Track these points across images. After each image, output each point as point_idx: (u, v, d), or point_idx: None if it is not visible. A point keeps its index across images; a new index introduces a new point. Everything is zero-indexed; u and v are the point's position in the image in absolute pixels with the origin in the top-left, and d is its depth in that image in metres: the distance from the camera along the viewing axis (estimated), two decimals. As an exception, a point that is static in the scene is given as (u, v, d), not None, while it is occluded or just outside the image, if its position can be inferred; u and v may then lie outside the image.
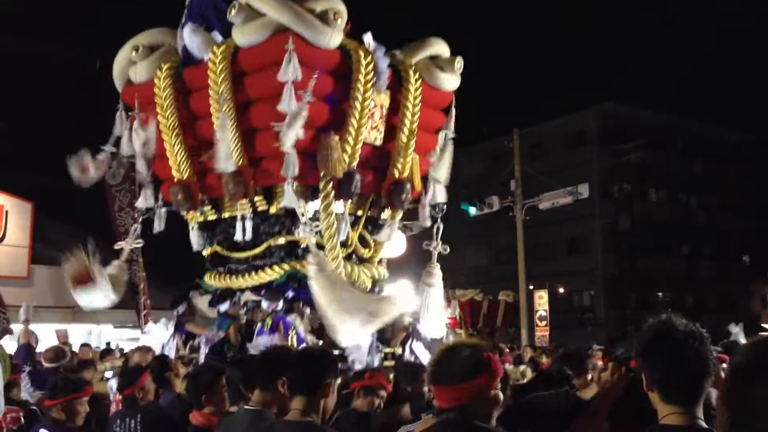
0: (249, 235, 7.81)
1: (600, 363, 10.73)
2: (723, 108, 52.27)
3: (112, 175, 15.76)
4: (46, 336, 16.03)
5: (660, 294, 39.49)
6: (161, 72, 7.74)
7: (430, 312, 8.55)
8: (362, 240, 8.44)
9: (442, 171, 8.70)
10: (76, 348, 10.57)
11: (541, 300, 24.78)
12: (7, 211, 19.34)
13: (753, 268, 40.30)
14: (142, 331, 15.63)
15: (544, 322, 24.17)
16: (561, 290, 33.74)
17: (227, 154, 7.27)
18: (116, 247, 8.83)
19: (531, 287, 24.87)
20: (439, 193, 8.77)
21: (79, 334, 18.25)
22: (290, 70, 6.92)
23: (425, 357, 7.80)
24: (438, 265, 8.90)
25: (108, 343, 15.45)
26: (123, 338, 19.04)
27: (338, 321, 6.69)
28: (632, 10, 60.07)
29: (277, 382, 3.44)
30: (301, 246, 7.90)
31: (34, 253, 20.07)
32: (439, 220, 8.96)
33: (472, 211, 22.23)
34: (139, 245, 8.72)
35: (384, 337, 7.90)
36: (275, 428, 3.18)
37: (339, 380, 3.27)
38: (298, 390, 3.11)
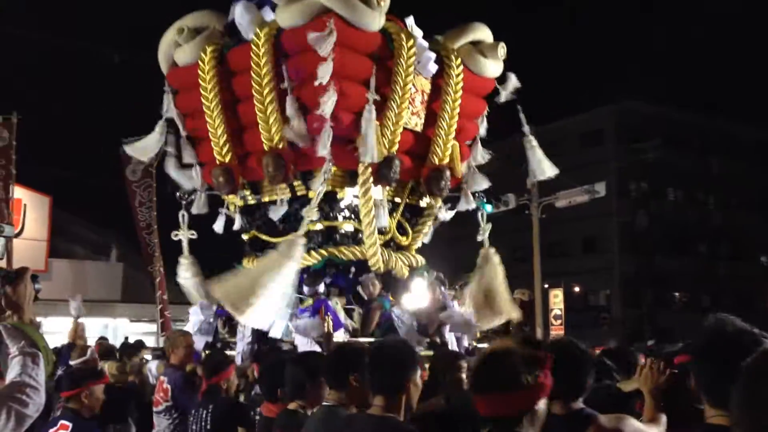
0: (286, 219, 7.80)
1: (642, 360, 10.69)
2: (742, 106, 51.91)
3: (132, 171, 15.98)
4: (64, 329, 16.21)
5: (677, 293, 39.27)
6: (205, 54, 7.69)
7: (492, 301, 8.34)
8: (400, 227, 8.38)
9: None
10: (91, 341, 10.60)
11: (557, 299, 24.69)
12: (25, 205, 19.47)
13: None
14: (160, 327, 15.75)
15: (559, 321, 24.09)
16: (576, 289, 33.60)
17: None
18: (174, 238, 8.79)
19: (546, 286, 24.79)
20: (480, 180, 8.70)
21: (95, 328, 18.39)
22: (327, 46, 6.90)
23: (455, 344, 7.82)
24: (493, 249, 8.72)
25: (126, 338, 15.54)
26: (139, 332, 19.17)
27: (246, 303, 6.65)
28: (653, 7, 59.58)
29: (349, 379, 3.42)
30: (340, 231, 7.88)
31: (52, 247, 20.26)
32: (483, 207, 8.86)
33: (488, 208, 22.07)
34: (193, 236, 8.68)
35: (420, 324, 7.79)
36: (356, 421, 3.14)
37: (420, 372, 3.18)
38: (379, 389, 3.07)
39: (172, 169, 8.41)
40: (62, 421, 4.78)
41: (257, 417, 4.90)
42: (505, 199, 21.47)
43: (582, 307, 35.63)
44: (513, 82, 8.48)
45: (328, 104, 6.98)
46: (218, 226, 8.42)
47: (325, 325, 6.87)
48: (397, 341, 3.61)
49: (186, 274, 8.62)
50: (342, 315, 7.42)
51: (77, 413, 4.82)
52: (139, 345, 11.10)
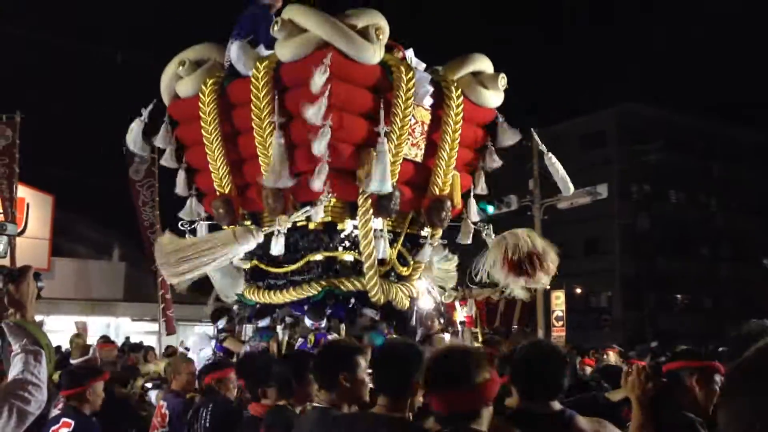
0: (289, 250, 7.84)
1: (612, 355, 10.76)
2: (744, 109, 51.88)
3: (136, 170, 16.02)
4: (66, 328, 16.25)
5: (678, 295, 39.26)
6: (206, 87, 7.72)
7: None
8: (401, 258, 8.39)
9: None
10: (92, 340, 10.64)
11: (558, 300, 24.62)
12: (28, 204, 19.56)
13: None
14: (163, 329, 15.78)
15: (560, 323, 24.03)
16: (578, 291, 33.59)
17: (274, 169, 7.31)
18: None
19: (548, 287, 24.78)
20: (474, 212, 8.77)
21: (97, 327, 18.43)
22: (320, 83, 6.91)
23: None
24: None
25: (128, 338, 15.58)
26: (141, 331, 19.21)
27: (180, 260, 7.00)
28: (653, 7, 59.59)
29: (339, 378, 3.42)
30: (340, 262, 7.92)
31: (55, 246, 20.31)
32: (486, 230, 8.80)
33: (490, 209, 22.11)
34: None
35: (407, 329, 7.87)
36: (360, 421, 3.10)
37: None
38: (385, 389, 3.06)
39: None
40: (64, 419, 4.81)
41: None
42: (507, 200, 21.42)
43: (583, 309, 35.66)
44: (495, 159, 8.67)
45: (322, 142, 6.99)
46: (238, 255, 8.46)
47: None
48: (405, 341, 3.61)
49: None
50: None
51: (78, 411, 4.87)
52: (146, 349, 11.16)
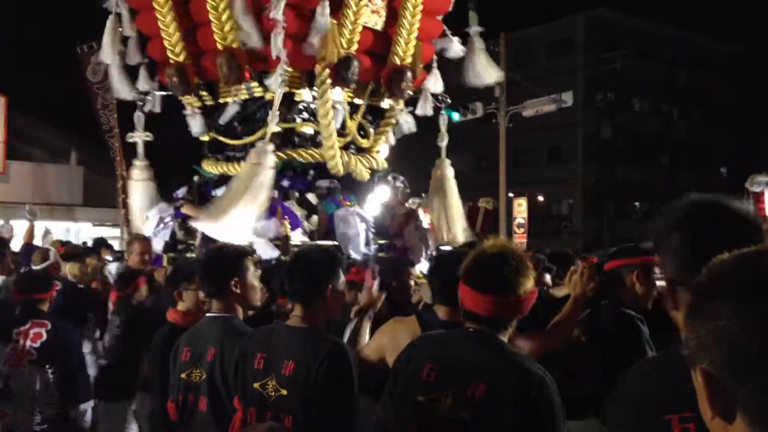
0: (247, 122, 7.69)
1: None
2: (713, 18, 51.62)
3: (93, 71, 15.46)
4: (23, 232, 16.02)
5: (637, 203, 39.96)
6: None
7: (447, 217, 8.43)
8: (361, 129, 8.24)
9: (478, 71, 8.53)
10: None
11: (520, 207, 24.95)
12: (-22, 105, 18.91)
13: (730, 180, 40.74)
14: (125, 235, 15.62)
15: (522, 230, 24.42)
16: (540, 198, 33.99)
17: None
18: (129, 140, 8.63)
19: (511, 195, 25.00)
20: (437, 83, 8.56)
21: (57, 232, 18.20)
22: None
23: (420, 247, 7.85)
24: (449, 161, 8.77)
25: (84, 242, 15.41)
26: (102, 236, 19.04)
27: (223, 213, 6.65)
28: None
29: (230, 284, 3.32)
30: (298, 134, 7.75)
31: (10, 150, 19.79)
32: (443, 111, 8.75)
33: (455, 117, 22.02)
34: (148, 138, 8.50)
35: (382, 226, 7.80)
36: (273, 334, 2.99)
37: (343, 278, 3.05)
38: (296, 297, 2.97)
39: (116, 76, 8.20)
40: (37, 320, 4.79)
41: None
42: (472, 107, 21.32)
43: (545, 217, 36.17)
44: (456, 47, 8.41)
45: (279, 5, 6.74)
46: (196, 127, 8.15)
47: (283, 226, 6.86)
48: (317, 248, 3.50)
49: (138, 177, 8.47)
50: (300, 215, 7.39)
51: (47, 313, 4.90)
52: (100, 243, 11.06)
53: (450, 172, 8.73)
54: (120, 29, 8.13)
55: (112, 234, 18.64)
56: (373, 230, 7.51)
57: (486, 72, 8.71)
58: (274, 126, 7.28)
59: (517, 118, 22.95)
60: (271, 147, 7.00)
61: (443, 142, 8.85)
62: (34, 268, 7.33)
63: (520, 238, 24.05)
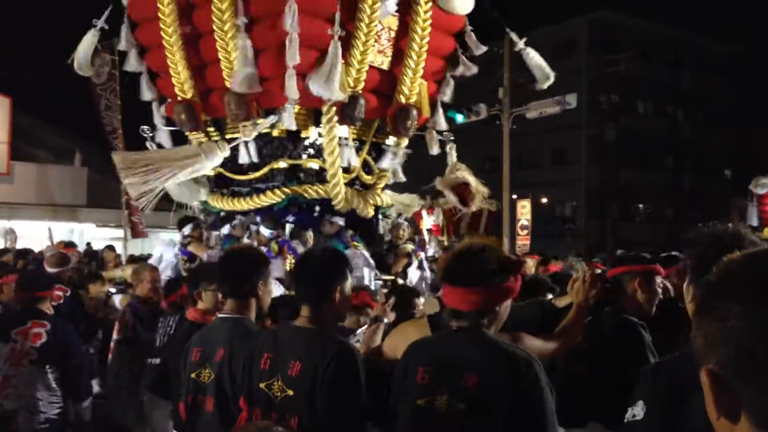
0: (254, 158, 7.79)
1: (531, 262, 11.00)
2: (713, 18, 51.59)
3: (97, 73, 15.46)
4: (27, 233, 16.05)
5: (641, 205, 39.91)
6: None
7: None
8: (366, 166, 8.36)
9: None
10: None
11: (524, 209, 24.94)
12: (-17, 107, 18.94)
13: (734, 181, 40.69)
14: (128, 235, 15.62)
15: (525, 231, 24.40)
16: (544, 200, 33.95)
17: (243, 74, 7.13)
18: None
19: (514, 196, 25.00)
20: (441, 121, 8.76)
21: (61, 233, 18.22)
22: None
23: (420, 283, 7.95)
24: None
25: (88, 243, 15.44)
26: (106, 237, 19.04)
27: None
28: None
29: (256, 287, 3.35)
30: (304, 170, 7.87)
31: (14, 151, 19.82)
32: (451, 142, 8.92)
33: (459, 118, 22.01)
34: None
35: (385, 263, 7.95)
36: (279, 334, 3.00)
37: (350, 281, 3.06)
38: (304, 299, 2.97)
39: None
40: (37, 320, 4.80)
41: None
42: (476, 109, 21.29)
43: (548, 218, 36.13)
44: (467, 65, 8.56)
45: (291, 50, 6.85)
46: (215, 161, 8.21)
47: (287, 264, 6.94)
48: (325, 250, 3.54)
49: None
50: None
51: (47, 314, 4.91)
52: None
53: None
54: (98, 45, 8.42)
55: (115, 235, 18.67)
56: (376, 273, 7.67)
57: (542, 73, 9.00)
58: (274, 160, 7.53)
59: (521, 120, 22.94)
60: (226, 149, 7.46)
61: (452, 158, 9.06)
62: (49, 270, 7.36)
63: (523, 240, 24.03)
